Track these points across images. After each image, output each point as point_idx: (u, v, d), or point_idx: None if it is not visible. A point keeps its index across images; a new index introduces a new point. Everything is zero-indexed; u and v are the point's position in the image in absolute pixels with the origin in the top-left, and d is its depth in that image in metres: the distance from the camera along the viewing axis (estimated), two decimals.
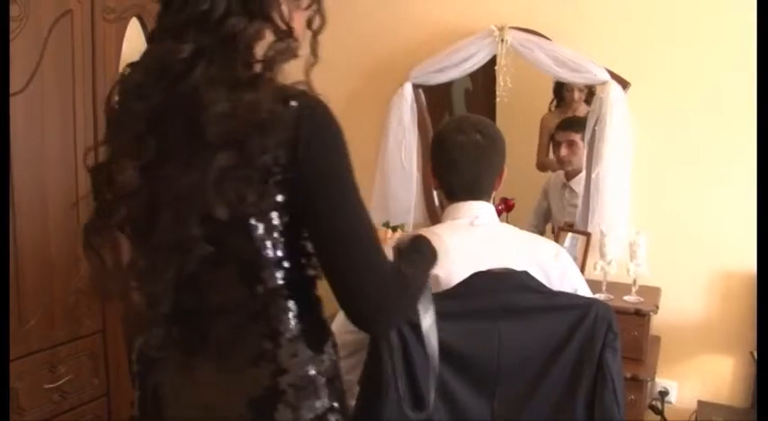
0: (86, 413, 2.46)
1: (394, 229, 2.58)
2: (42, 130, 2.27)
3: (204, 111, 0.91)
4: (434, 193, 2.70)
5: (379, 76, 2.90)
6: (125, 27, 2.50)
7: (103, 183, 1.03)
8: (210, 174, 0.90)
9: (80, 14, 2.33)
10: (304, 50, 1.09)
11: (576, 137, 2.57)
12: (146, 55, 1.01)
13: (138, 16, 2.55)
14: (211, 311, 1.04)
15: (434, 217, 2.68)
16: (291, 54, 1.02)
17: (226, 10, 0.95)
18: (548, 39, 2.48)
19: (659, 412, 2.42)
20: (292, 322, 1.04)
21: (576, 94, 2.68)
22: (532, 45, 2.47)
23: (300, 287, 1.06)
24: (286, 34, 1.01)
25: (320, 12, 1.10)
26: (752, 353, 2.23)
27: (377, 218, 2.69)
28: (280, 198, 0.97)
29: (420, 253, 1.21)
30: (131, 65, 1.04)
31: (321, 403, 1.04)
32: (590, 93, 2.67)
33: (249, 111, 0.92)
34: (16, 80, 2.14)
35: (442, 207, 1.68)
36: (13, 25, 2.11)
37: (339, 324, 1.58)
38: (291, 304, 1.04)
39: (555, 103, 2.74)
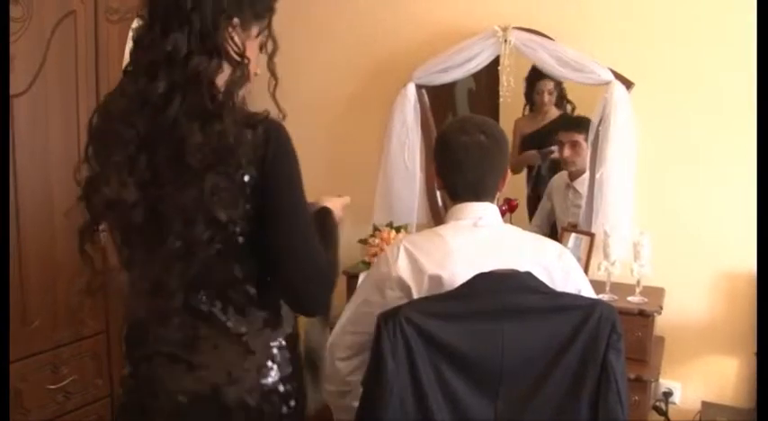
0: (90, 414, 2.47)
1: (397, 230, 2.58)
2: (46, 131, 2.27)
3: (183, 143, 1.12)
4: (437, 194, 2.69)
5: (381, 76, 2.90)
6: (128, 28, 2.49)
7: (93, 194, 1.21)
8: (206, 190, 1.12)
9: (83, 15, 2.33)
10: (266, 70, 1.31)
11: (580, 137, 2.56)
12: (123, 87, 1.21)
13: (142, 17, 2.55)
14: (201, 303, 1.23)
15: (437, 217, 2.68)
16: (245, 81, 1.22)
17: (188, 50, 1.15)
18: (551, 39, 2.48)
19: (663, 413, 2.42)
20: (256, 307, 1.25)
21: (546, 97, 2.68)
22: (536, 45, 2.47)
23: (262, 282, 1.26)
24: (240, 64, 1.20)
25: (271, 37, 1.31)
26: (755, 353, 2.22)
27: (380, 218, 2.70)
28: (248, 206, 1.18)
29: (325, 231, 1.37)
30: (111, 94, 1.26)
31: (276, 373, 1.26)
32: (560, 96, 2.70)
33: (219, 139, 1.13)
34: (19, 81, 2.15)
35: (446, 207, 1.68)
36: (16, 26, 2.11)
37: (341, 325, 1.58)
38: (253, 291, 1.25)
39: (528, 107, 2.76)
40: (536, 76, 2.62)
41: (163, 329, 1.24)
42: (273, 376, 1.26)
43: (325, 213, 1.44)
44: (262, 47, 1.31)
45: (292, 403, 1.28)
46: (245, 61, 1.21)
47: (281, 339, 1.29)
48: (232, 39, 1.20)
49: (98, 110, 1.27)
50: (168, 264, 1.17)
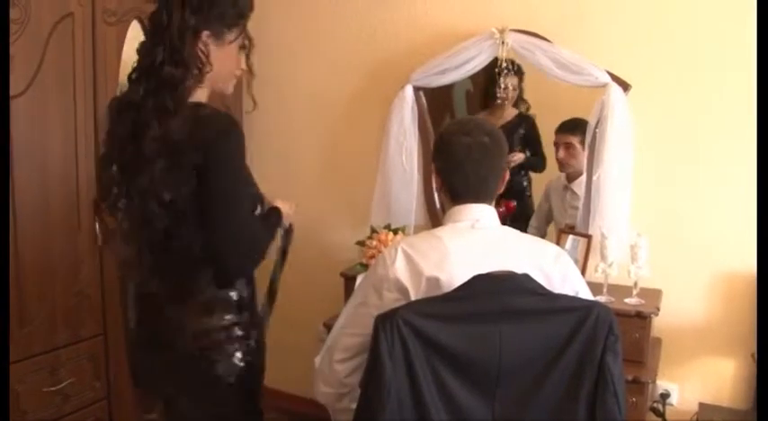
0: (87, 416, 2.47)
1: (395, 232, 2.58)
2: (43, 133, 2.28)
3: (145, 136, 1.44)
4: (435, 196, 2.70)
5: (380, 78, 2.91)
6: (126, 30, 2.51)
7: (101, 172, 1.61)
8: (155, 174, 1.43)
9: (81, 17, 2.34)
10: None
11: (574, 140, 2.56)
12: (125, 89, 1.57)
13: (139, 19, 2.55)
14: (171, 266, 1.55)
15: (435, 219, 2.68)
16: (197, 85, 1.51)
17: (161, 60, 1.45)
18: (548, 41, 2.48)
19: (660, 414, 2.42)
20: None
21: (510, 93, 2.68)
22: (533, 47, 2.47)
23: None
24: (197, 74, 1.50)
25: (246, 38, 1.59)
26: (753, 355, 2.22)
27: (378, 220, 2.70)
28: (193, 187, 1.45)
29: (268, 221, 1.68)
30: (115, 99, 1.63)
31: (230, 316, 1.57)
32: (520, 97, 2.73)
33: (174, 132, 1.43)
34: (17, 83, 2.15)
35: (443, 209, 1.68)
36: (13, 28, 2.11)
37: (340, 326, 1.59)
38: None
39: (485, 103, 2.77)
40: (500, 71, 2.59)
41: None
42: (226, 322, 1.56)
43: (273, 208, 1.72)
44: (242, 47, 1.58)
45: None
46: (206, 69, 1.51)
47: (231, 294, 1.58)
48: (201, 50, 1.49)
49: (108, 105, 1.61)
50: (139, 234, 1.52)
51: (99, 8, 2.39)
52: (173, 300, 1.56)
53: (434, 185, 1.67)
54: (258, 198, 1.65)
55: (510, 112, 2.74)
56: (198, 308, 1.55)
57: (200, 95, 1.55)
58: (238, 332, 1.58)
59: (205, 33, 1.49)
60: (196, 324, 1.54)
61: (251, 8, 1.59)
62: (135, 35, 2.53)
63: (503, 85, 2.56)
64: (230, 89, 1.64)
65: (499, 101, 2.66)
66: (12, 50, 2.10)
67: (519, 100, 2.73)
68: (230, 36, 1.54)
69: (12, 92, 2.10)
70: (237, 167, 1.50)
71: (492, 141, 1.56)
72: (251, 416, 1.68)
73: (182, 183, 1.44)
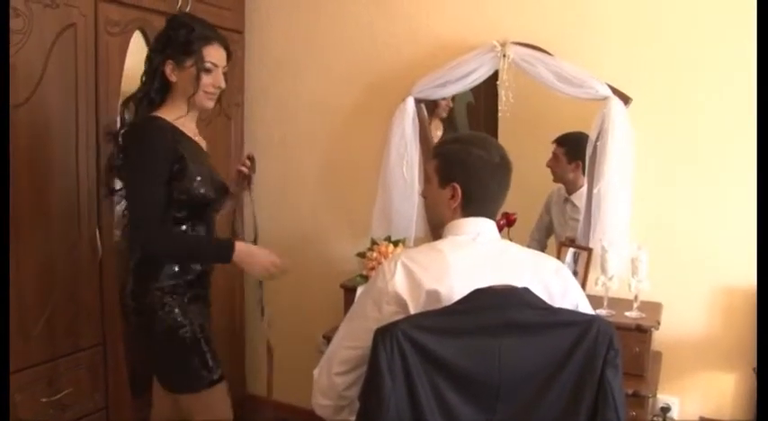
0: None
1: (396, 244, 2.58)
2: (45, 143, 2.28)
3: None
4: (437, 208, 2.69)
5: (381, 90, 2.91)
6: (128, 40, 2.51)
7: None
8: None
9: (83, 28, 2.34)
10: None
11: (558, 151, 2.62)
12: None
13: (141, 29, 2.56)
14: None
15: (436, 232, 2.67)
16: (148, 101, 2.02)
17: (144, 81, 2.04)
18: (549, 54, 2.49)
19: None
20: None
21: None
22: (534, 60, 2.48)
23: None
24: (158, 93, 2.02)
25: (199, 63, 1.97)
26: (754, 368, 2.22)
27: (378, 232, 2.70)
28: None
29: (202, 245, 2.08)
30: None
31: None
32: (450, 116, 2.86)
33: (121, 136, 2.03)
34: (19, 93, 2.15)
35: (435, 224, 1.68)
36: (16, 38, 2.12)
37: (339, 338, 1.58)
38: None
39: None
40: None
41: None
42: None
43: (225, 241, 2.04)
44: (206, 70, 1.99)
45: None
46: (154, 86, 2.00)
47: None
48: (163, 72, 1.98)
49: None
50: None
51: (101, 19, 2.40)
52: None
53: (439, 196, 1.63)
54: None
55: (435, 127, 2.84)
56: None
57: (172, 111, 2.01)
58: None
59: (169, 62, 1.97)
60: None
61: (206, 38, 1.99)
62: (137, 46, 2.54)
63: (503, 98, 2.56)
64: (208, 104, 2.05)
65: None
66: (14, 61, 2.10)
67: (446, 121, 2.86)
68: (189, 62, 1.97)
69: (13, 102, 2.10)
70: (138, 168, 1.93)
71: (509, 162, 1.60)
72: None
73: (118, 179, 2.11)
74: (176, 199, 1.96)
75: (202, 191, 2.00)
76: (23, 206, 2.20)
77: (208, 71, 1.98)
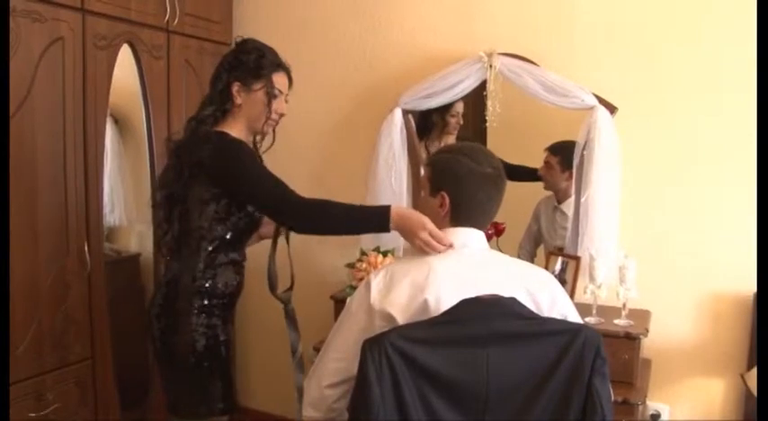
0: None
1: (385, 254, 2.58)
2: (33, 155, 2.27)
3: None
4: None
5: (369, 101, 2.93)
6: (116, 54, 2.51)
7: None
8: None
9: (71, 41, 2.34)
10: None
11: (552, 159, 2.64)
12: None
13: (130, 43, 2.56)
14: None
15: None
16: (214, 119, 1.97)
17: (209, 101, 2.00)
18: (536, 64, 2.51)
19: None
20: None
21: (461, 120, 2.81)
22: (521, 70, 2.50)
23: None
24: (221, 112, 1.98)
25: (268, 88, 1.98)
26: (742, 375, 2.23)
27: (367, 242, 2.70)
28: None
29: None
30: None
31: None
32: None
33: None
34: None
35: None
36: None
37: (326, 352, 1.58)
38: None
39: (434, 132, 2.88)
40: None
41: None
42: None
43: (378, 207, 1.97)
44: (267, 94, 1.97)
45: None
46: (228, 107, 1.97)
47: None
48: (231, 93, 1.95)
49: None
50: None
51: (89, 32, 2.40)
52: None
53: (429, 204, 1.63)
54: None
55: (452, 141, 2.83)
56: None
57: (232, 132, 1.94)
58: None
59: (236, 84, 1.95)
60: None
61: (276, 65, 1.99)
62: (125, 59, 2.54)
63: (491, 108, 2.57)
64: (268, 130, 2.06)
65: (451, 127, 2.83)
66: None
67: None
68: (258, 85, 1.96)
69: None
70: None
71: (502, 173, 1.58)
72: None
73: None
74: (235, 221, 1.94)
75: (257, 215, 1.99)
76: (11, 219, 2.19)
77: (275, 97, 1.98)
